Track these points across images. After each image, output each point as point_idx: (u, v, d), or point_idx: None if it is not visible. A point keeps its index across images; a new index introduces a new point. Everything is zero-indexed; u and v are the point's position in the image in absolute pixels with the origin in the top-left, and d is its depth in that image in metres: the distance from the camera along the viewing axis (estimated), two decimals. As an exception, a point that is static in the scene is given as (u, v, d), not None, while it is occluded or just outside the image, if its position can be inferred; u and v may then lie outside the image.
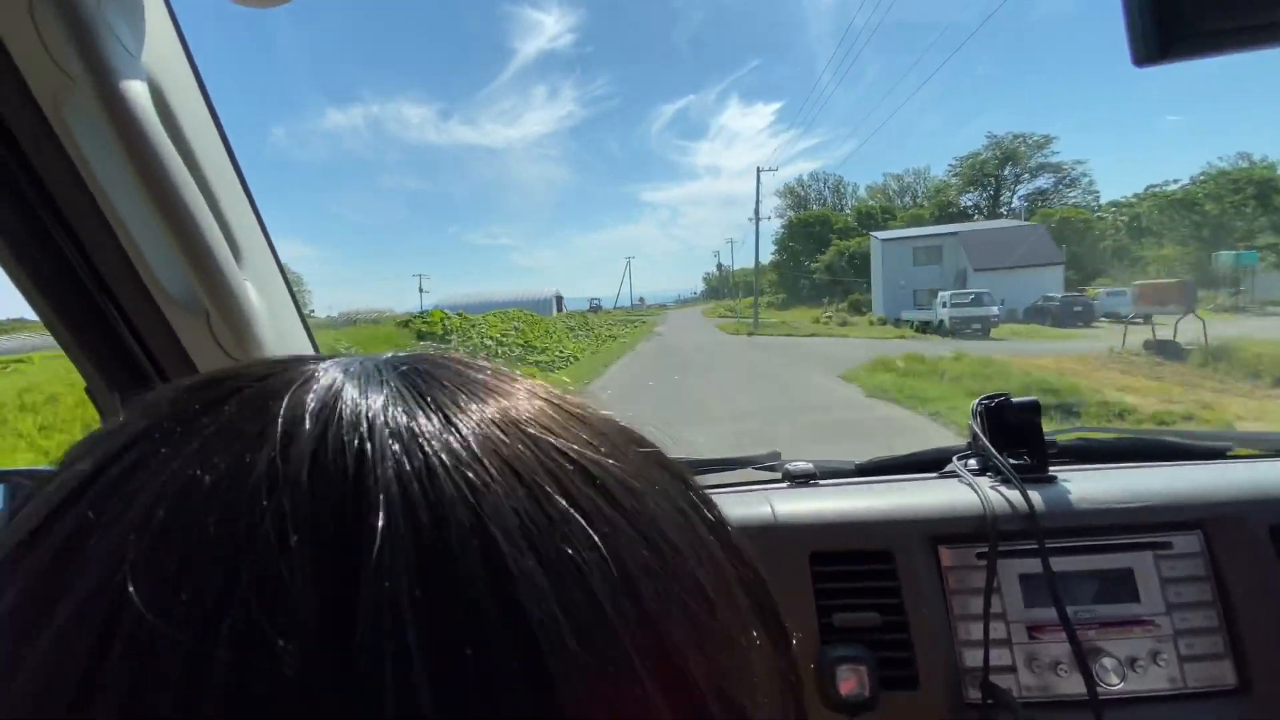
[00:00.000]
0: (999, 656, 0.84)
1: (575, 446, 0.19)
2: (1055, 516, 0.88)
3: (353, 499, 0.16)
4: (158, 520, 0.15)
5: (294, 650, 0.14)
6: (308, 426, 0.17)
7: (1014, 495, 0.89)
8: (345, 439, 0.17)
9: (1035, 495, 0.88)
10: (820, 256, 48.97)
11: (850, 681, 0.80)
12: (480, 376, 0.22)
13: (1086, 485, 0.92)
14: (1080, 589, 0.86)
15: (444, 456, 0.17)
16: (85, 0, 0.54)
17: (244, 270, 0.74)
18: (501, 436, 0.18)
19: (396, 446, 0.17)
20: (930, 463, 1.10)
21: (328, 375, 0.20)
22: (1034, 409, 0.96)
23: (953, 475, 1.02)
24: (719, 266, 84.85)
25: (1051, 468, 1.00)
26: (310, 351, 0.89)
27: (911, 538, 0.88)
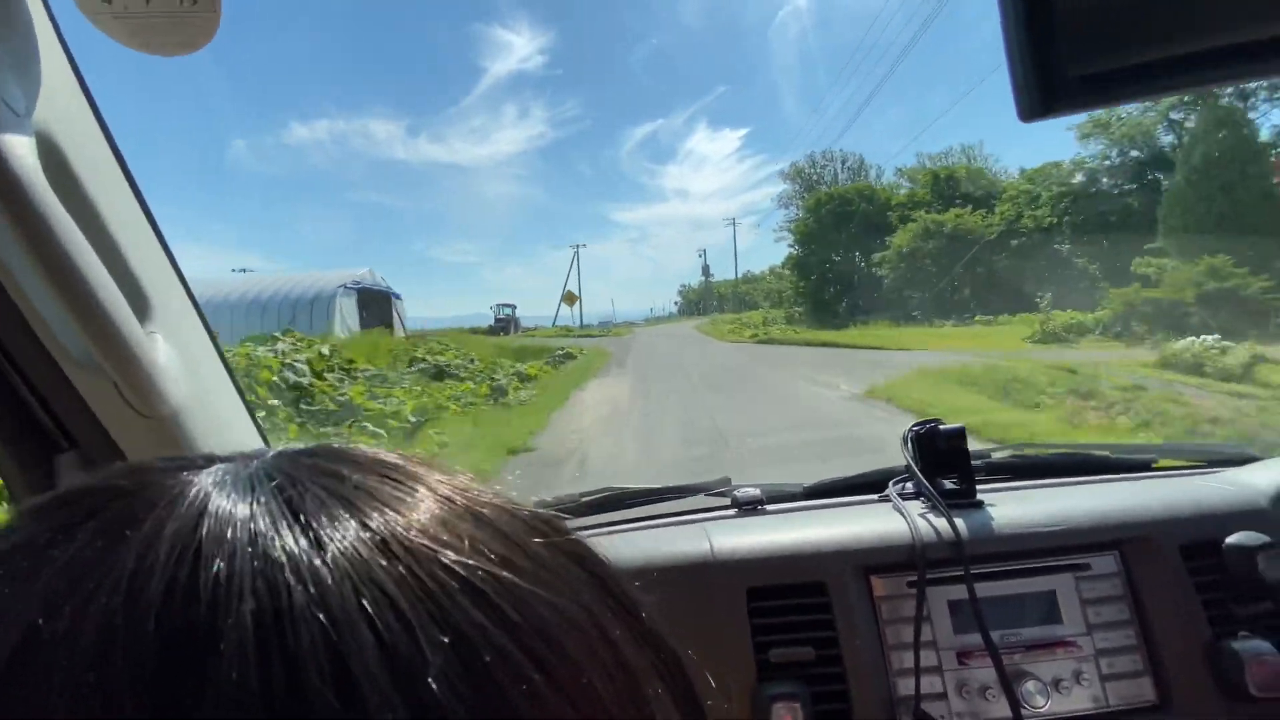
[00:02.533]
0: (930, 684, 0.85)
1: (464, 559, 0.18)
2: (980, 543, 0.90)
3: (203, 650, 0.15)
4: None
5: None
6: (160, 566, 0.16)
7: (941, 523, 0.91)
8: (200, 580, 0.16)
9: (961, 522, 0.91)
10: (877, 245, 31.55)
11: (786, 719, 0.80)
12: (369, 480, 0.20)
13: (1011, 509, 0.95)
14: (1007, 612, 0.88)
15: (307, 591, 0.16)
16: (-38, 61, 0.52)
17: (152, 325, 0.72)
18: (378, 559, 0.17)
19: (257, 583, 0.16)
20: (873, 484, 1.12)
21: (194, 492, 0.19)
22: (960, 435, 0.99)
23: (888, 500, 1.04)
24: (705, 270, 74.99)
25: (983, 487, 1.03)
26: (234, 402, 0.87)
27: (844, 569, 0.89)
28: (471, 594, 0.18)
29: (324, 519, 0.18)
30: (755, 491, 1.13)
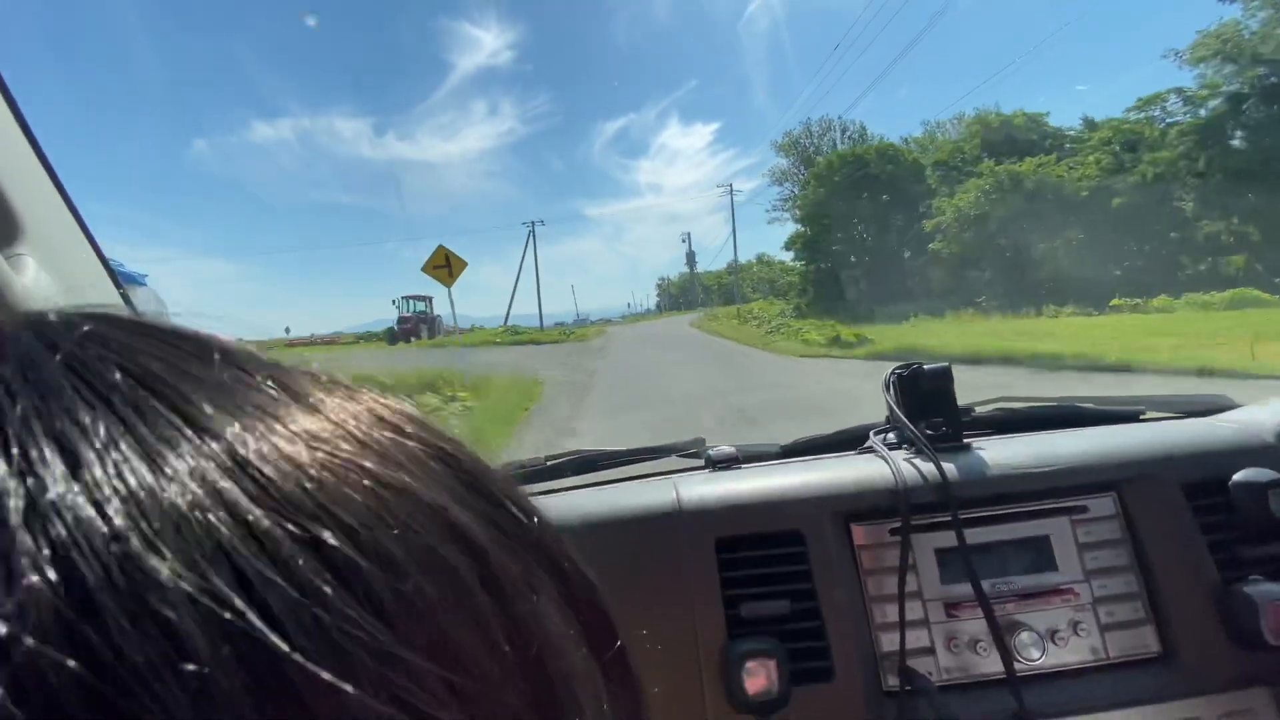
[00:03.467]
0: (917, 638, 0.78)
1: (307, 469, 0.15)
2: (969, 485, 0.83)
3: None
4: None
5: None
6: None
7: (927, 466, 0.84)
8: None
9: (948, 465, 0.83)
10: (909, 215, 25.47)
11: (759, 679, 0.73)
12: (194, 369, 0.16)
13: (1000, 452, 0.88)
14: (997, 560, 0.81)
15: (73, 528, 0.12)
16: None
17: (20, 246, 0.63)
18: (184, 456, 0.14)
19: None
20: (854, 439, 1.05)
21: None
22: (945, 375, 0.92)
23: (870, 451, 0.97)
24: (689, 258, 65.14)
25: (968, 437, 0.96)
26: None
27: (822, 516, 0.82)
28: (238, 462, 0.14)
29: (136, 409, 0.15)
30: (730, 450, 1.06)
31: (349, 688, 0.13)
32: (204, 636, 0.12)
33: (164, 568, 0.12)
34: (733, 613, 0.78)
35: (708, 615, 0.78)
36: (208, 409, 0.15)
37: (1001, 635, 0.75)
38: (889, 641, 0.78)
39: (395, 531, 0.15)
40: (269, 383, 0.17)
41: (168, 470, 0.14)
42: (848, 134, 39.51)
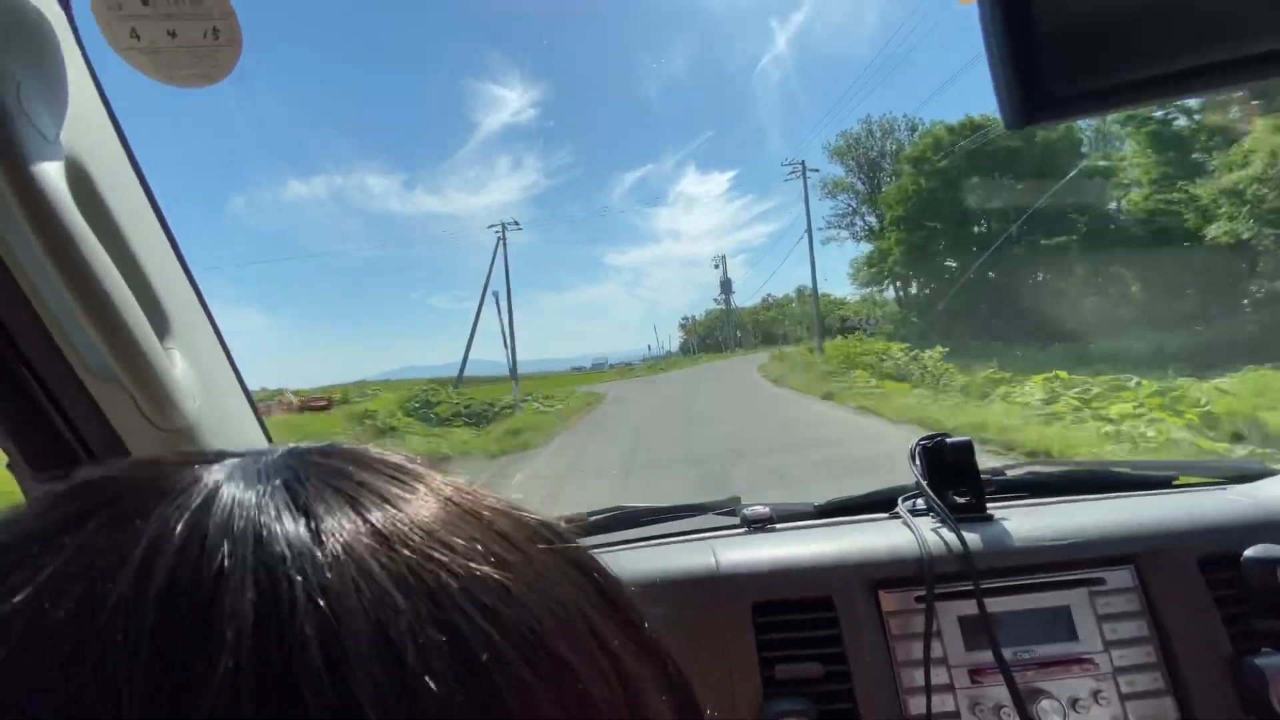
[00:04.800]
0: (942, 702, 0.83)
1: (464, 558, 0.19)
2: (991, 556, 0.89)
3: (201, 636, 0.15)
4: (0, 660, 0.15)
5: None
6: (166, 556, 0.17)
7: (950, 537, 0.90)
8: (204, 570, 0.17)
9: (970, 535, 0.90)
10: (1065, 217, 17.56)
11: (793, 736, 0.79)
12: (373, 478, 0.21)
13: (1022, 523, 0.94)
14: (1019, 629, 0.86)
15: (308, 583, 0.17)
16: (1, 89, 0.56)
17: (171, 341, 0.74)
18: (378, 555, 0.18)
19: (260, 574, 0.17)
20: (885, 502, 1.11)
21: (204, 484, 0.19)
22: (967, 448, 0.98)
23: (898, 517, 1.03)
24: (724, 285, 53.99)
25: (995, 504, 1.02)
26: (247, 416, 0.89)
27: (852, 583, 0.88)
28: (469, 594, 0.18)
29: (326, 513, 0.19)
30: (764, 510, 1.12)
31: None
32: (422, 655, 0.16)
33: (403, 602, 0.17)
34: (768, 674, 0.84)
35: (744, 675, 0.84)
36: (403, 501, 0.21)
37: (1023, 702, 0.80)
38: (916, 705, 0.83)
39: (564, 642, 0.19)
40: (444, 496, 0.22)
41: (395, 539, 0.19)
42: (917, 131, 30.99)
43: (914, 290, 23.25)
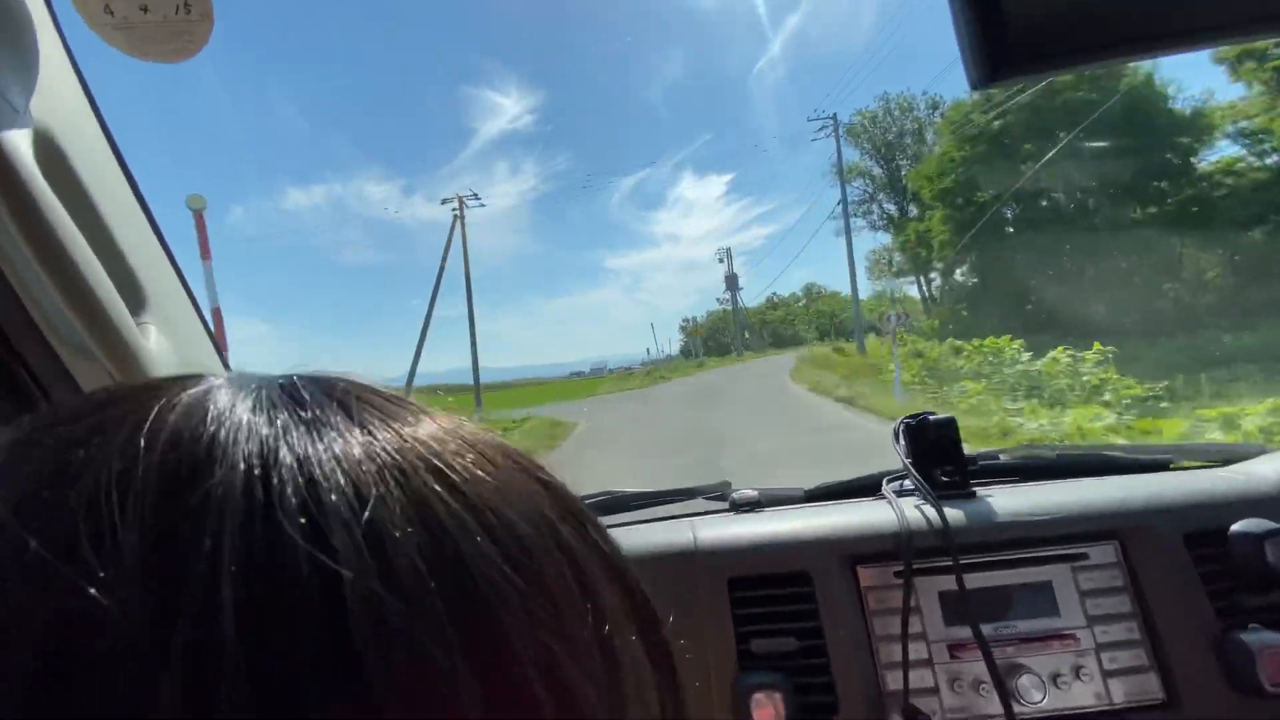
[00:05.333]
0: (920, 678, 0.82)
1: (446, 458, 0.20)
2: (970, 531, 0.88)
3: (197, 469, 0.17)
4: (23, 488, 0.17)
5: (112, 579, 0.15)
6: (170, 425, 0.19)
7: (930, 512, 0.89)
8: (203, 435, 0.18)
9: (951, 511, 0.89)
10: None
11: (766, 710, 0.79)
12: (368, 395, 0.22)
13: (1005, 500, 0.92)
14: (1000, 604, 0.85)
15: (295, 457, 0.18)
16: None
17: (145, 315, 0.75)
18: (365, 448, 0.19)
19: (249, 444, 0.18)
20: (872, 486, 1.11)
21: (207, 382, 0.21)
22: (950, 425, 0.97)
23: (883, 498, 1.02)
24: (730, 280, 47.04)
25: (983, 484, 1.01)
26: None
27: (829, 558, 0.88)
28: (451, 492, 0.19)
29: (319, 411, 0.20)
30: (753, 494, 1.12)
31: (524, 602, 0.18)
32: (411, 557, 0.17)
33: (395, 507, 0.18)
34: (744, 648, 0.84)
35: (720, 649, 0.84)
36: (393, 421, 0.21)
37: (1000, 677, 0.79)
38: (893, 680, 0.82)
39: (539, 543, 0.20)
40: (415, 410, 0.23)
41: (383, 447, 0.20)
42: (939, 109, 28.27)
43: (959, 278, 17.87)
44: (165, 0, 0.73)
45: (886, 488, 1.02)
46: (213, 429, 0.18)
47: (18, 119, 0.62)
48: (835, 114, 25.66)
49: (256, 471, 0.17)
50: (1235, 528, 0.84)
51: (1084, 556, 0.87)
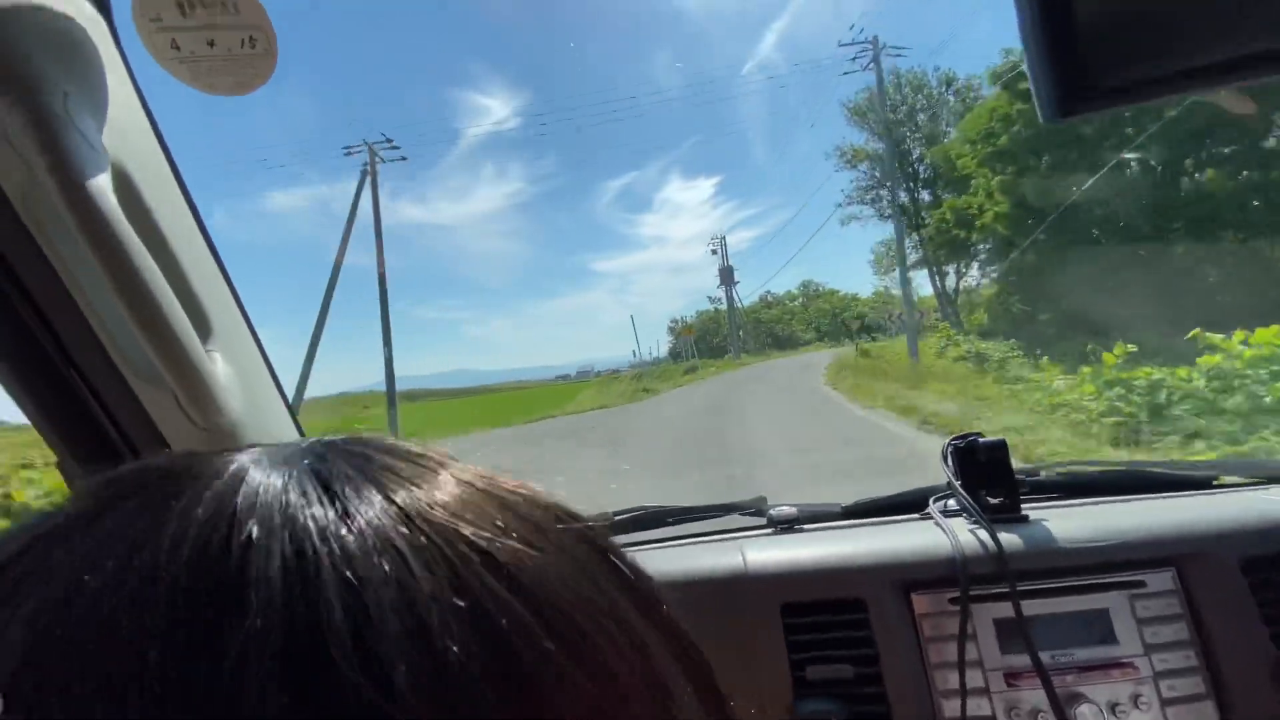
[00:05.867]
0: (977, 706, 0.82)
1: (485, 533, 0.20)
2: (1026, 558, 0.87)
3: (229, 599, 0.16)
4: (40, 625, 0.16)
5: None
6: (195, 529, 0.18)
7: (984, 537, 0.89)
8: (233, 541, 0.17)
9: (1005, 536, 0.88)
10: None
11: (825, 737, 0.79)
12: (396, 462, 0.22)
13: (1059, 524, 0.92)
14: (1057, 632, 0.85)
15: (332, 554, 0.17)
16: (49, 101, 0.57)
17: (212, 344, 0.76)
18: (401, 528, 0.19)
19: (285, 544, 0.17)
20: (914, 503, 1.10)
21: (234, 468, 0.20)
22: (1001, 448, 0.97)
23: (930, 518, 1.02)
24: (725, 274, 41.79)
25: (1030, 505, 1.00)
26: (284, 417, 0.91)
27: (883, 585, 0.88)
28: (490, 565, 0.19)
29: (350, 492, 0.20)
30: (791, 510, 1.11)
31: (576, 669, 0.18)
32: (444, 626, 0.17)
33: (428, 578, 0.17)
34: (799, 675, 0.84)
35: (774, 676, 0.84)
36: (424, 482, 0.21)
37: (1061, 706, 0.79)
38: (950, 708, 0.82)
39: (582, 612, 0.20)
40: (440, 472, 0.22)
41: (418, 521, 0.19)
42: (954, 86, 25.34)
43: (1007, 268, 14.60)
44: (231, 35, 0.74)
45: (933, 508, 1.02)
46: (244, 537, 0.17)
47: (97, 159, 0.63)
48: (876, 36, 20.83)
49: (296, 591, 0.16)
50: None
51: (1141, 584, 0.86)
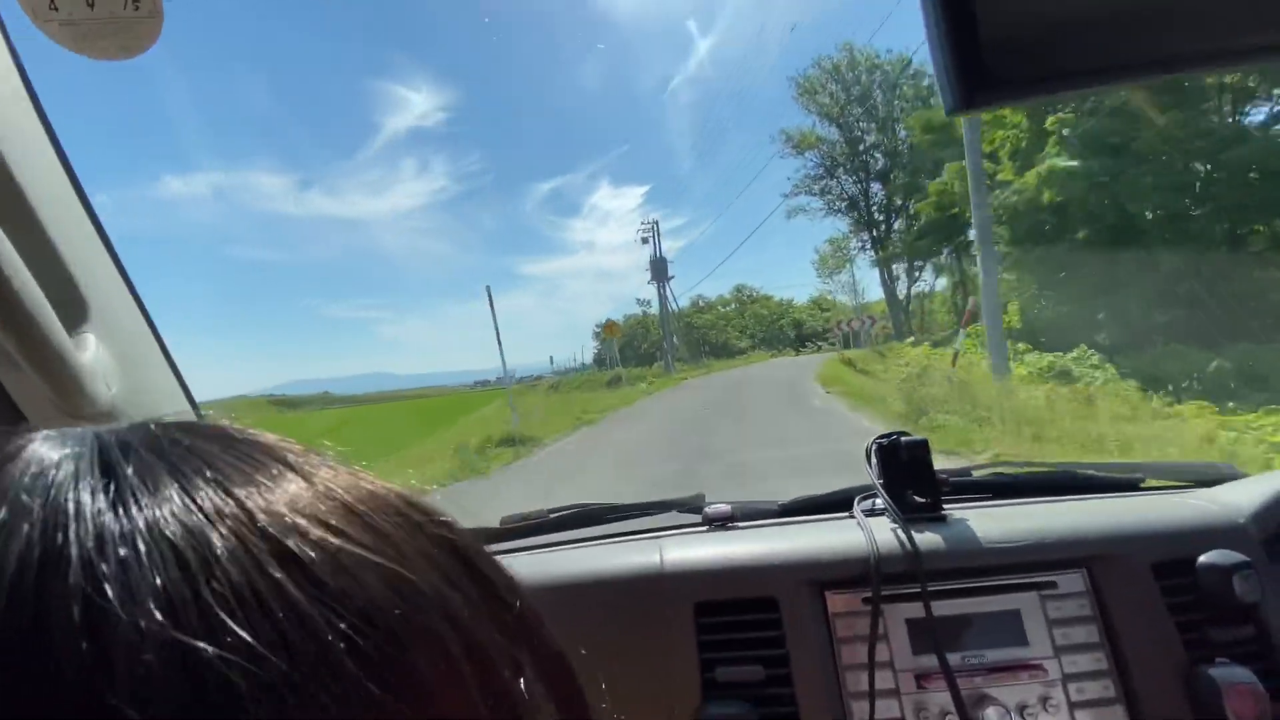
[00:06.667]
0: (887, 708, 0.81)
1: (284, 521, 0.18)
2: (941, 557, 0.86)
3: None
4: None
5: None
6: None
7: (901, 536, 0.88)
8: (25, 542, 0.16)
9: (921, 536, 0.87)
10: None
11: (728, 741, 0.77)
12: (222, 455, 0.20)
13: (977, 524, 0.91)
14: (968, 633, 0.84)
15: (82, 541, 0.16)
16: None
17: (86, 327, 0.72)
18: (182, 516, 0.17)
19: (35, 529, 0.16)
20: (846, 502, 1.09)
21: (19, 444, 0.19)
22: (922, 446, 0.96)
23: (853, 518, 1.01)
24: (656, 266, 33.45)
25: (955, 505, 0.99)
26: (179, 403, 0.86)
27: (798, 584, 0.86)
28: (279, 555, 0.17)
29: (136, 480, 0.18)
30: (726, 508, 1.10)
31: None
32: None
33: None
34: (708, 676, 0.82)
35: (683, 677, 0.82)
36: (238, 484, 0.19)
37: (965, 708, 0.78)
38: (859, 710, 0.81)
39: (398, 612, 0.18)
40: (280, 465, 0.21)
41: (218, 529, 0.18)
42: (911, 68, 22.80)
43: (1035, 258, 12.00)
44: (113, -3, 0.70)
45: (857, 508, 1.01)
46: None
47: None
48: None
49: (34, 562, 0.16)
50: (1203, 559, 0.83)
51: (1052, 585, 0.86)
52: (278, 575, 0.17)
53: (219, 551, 0.17)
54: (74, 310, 0.70)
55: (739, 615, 0.85)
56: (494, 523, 1.17)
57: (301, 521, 0.19)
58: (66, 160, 0.75)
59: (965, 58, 0.40)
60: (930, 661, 0.82)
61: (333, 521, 0.19)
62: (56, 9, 0.68)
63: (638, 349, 46.65)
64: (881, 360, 17.15)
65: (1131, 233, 10.40)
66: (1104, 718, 0.81)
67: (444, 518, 0.23)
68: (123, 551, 0.16)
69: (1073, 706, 0.81)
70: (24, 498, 0.17)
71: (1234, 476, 1.08)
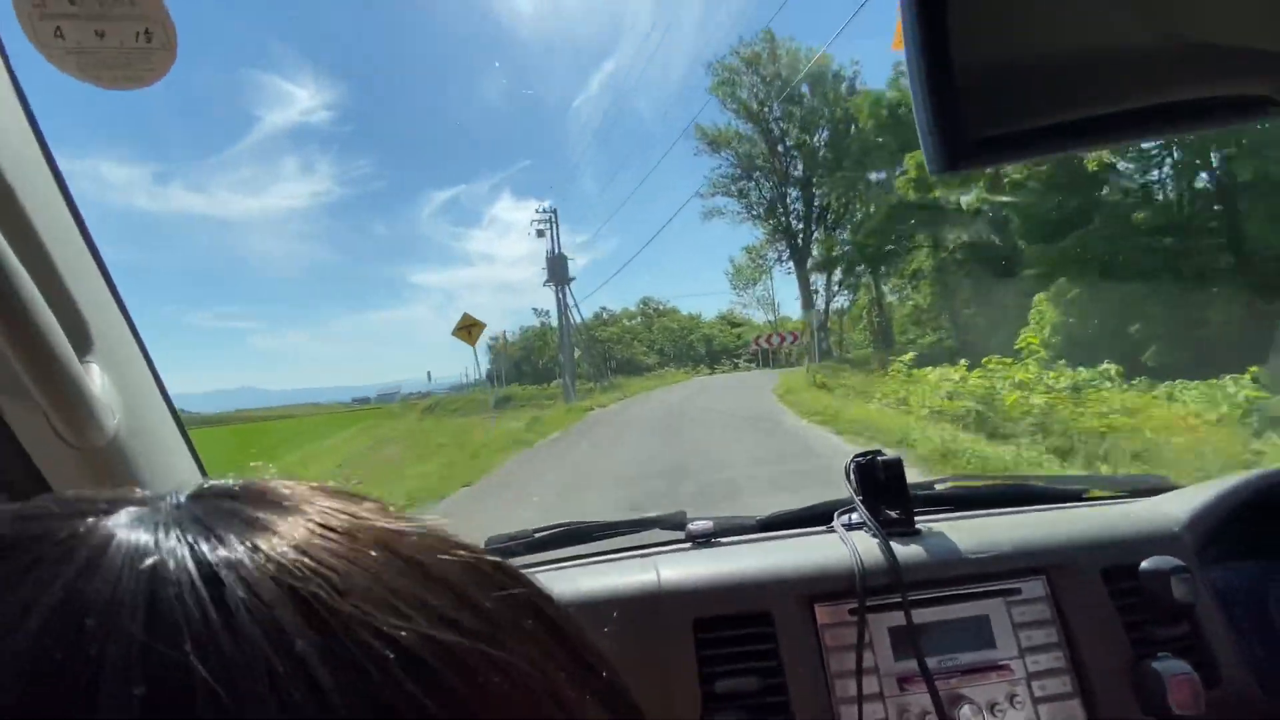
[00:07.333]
0: (873, 711, 0.87)
1: (402, 622, 0.17)
2: (918, 569, 0.93)
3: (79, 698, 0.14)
4: None
5: None
6: (31, 644, 0.15)
7: (882, 550, 0.94)
8: (79, 650, 0.15)
9: (900, 549, 0.94)
10: None
11: (730, 749, 0.81)
12: (295, 531, 0.19)
13: (947, 538, 0.99)
14: (944, 638, 0.91)
15: (209, 668, 0.15)
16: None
17: (90, 355, 0.71)
18: (299, 627, 0.16)
19: (149, 659, 0.15)
20: (824, 516, 1.15)
21: (89, 542, 0.18)
22: (897, 465, 1.03)
23: (834, 532, 1.07)
24: (555, 269, 26.71)
25: (923, 518, 1.07)
26: (173, 434, 0.85)
27: (789, 598, 0.91)
28: (406, 662, 0.17)
29: (235, 581, 0.17)
30: (708, 524, 1.14)
31: None
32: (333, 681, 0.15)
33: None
34: (708, 688, 0.86)
35: (685, 691, 0.85)
36: (328, 554, 0.19)
37: (943, 708, 0.84)
38: (848, 715, 0.86)
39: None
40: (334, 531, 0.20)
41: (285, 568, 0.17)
42: (854, 79, 21.99)
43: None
44: (123, 26, 0.70)
45: (837, 523, 1.07)
46: (91, 651, 0.15)
47: None
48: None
49: (161, 704, 0.15)
50: (1145, 565, 0.93)
51: (1017, 591, 0.94)
52: (407, 684, 0.17)
53: (337, 659, 0.16)
54: (81, 338, 0.69)
55: (735, 629, 0.89)
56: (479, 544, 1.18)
57: (398, 605, 0.18)
58: (64, 184, 0.74)
59: (946, 122, 0.42)
60: (911, 666, 0.89)
61: (437, 604, 0.18)
62: (63, 36, 0.68)
63: (536, 364, 42.71)
64: (864, 375, 15.09)
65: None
66: (1063, 711, 0.89)
67: (531, 586, 0.22)
68: (248, 676, 0.15)
69: (1036, 702, 0.89)
70: (126, 625, 0.15)
71: (1169, 488, 1.20)
